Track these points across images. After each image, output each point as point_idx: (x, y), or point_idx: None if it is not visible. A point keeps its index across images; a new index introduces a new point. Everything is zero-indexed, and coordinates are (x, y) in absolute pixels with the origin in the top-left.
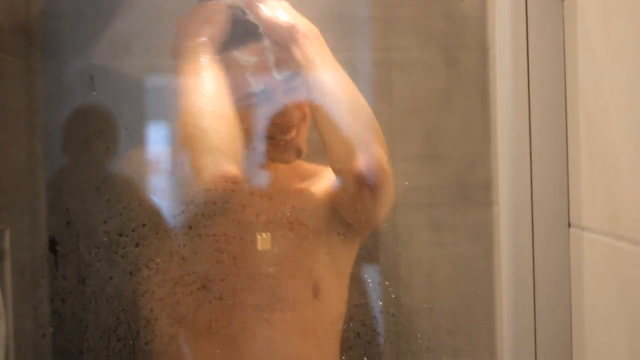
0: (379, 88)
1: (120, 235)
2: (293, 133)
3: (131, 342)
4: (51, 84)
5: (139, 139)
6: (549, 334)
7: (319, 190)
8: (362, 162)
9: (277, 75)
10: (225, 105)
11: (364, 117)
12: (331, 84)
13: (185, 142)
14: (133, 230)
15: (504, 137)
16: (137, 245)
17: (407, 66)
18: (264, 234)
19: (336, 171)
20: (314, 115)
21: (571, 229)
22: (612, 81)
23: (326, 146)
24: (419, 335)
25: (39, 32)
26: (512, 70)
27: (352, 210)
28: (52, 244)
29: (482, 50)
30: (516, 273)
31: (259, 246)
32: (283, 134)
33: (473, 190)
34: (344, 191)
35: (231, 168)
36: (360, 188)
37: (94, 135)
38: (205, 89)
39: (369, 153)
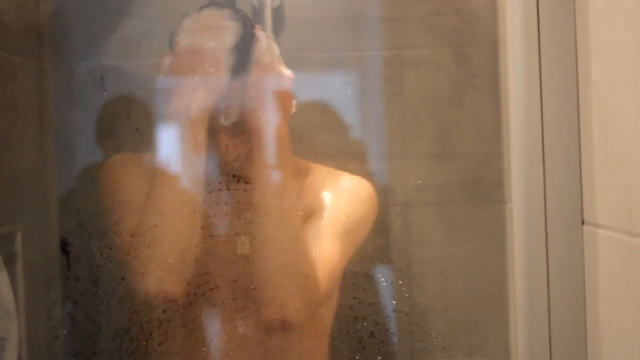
0: (390, 87)
1: (133, 236)
2: (235, 164)
3: (144, 343)
4: (62, 84)
5: (149, 139)
6: (563, 331)
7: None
8: (266, 314)
9: (223, 121)
10: (196, 199)
11: (289, 259)
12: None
13: (141, 233)
14: (145, 232)
15: (516, 135)
16: (149, 246)
17: (418, 64)
18: (242, 237)
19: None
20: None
21: (585, 227)
22: (624, 77)
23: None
24: (433, 334)
25: (50, 33)
26: (524, 66)
27: None
28: (64, 246)
29: (493, 47)
30: (530, 271)
31: (238, 250)
32: (226, 161)
33: (486, 188)
34: None
35: (173, 289)
36: None
37: (105, 136)
38: (182, 184)
39: (275, 307)
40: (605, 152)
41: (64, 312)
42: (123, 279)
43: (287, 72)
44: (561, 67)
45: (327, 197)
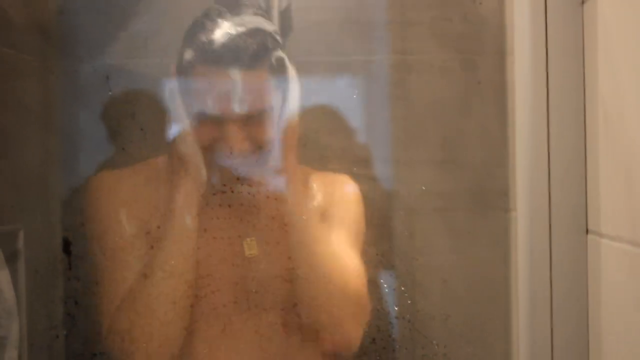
0: (396, 92)
1: (135, 237)
2: (241, 160)
3: (144, 345)
4: (68, 83)
5: (154, 140)
6: (565, 341)
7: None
8: (328, 344)
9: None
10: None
11: (344, 292)
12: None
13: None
14: (147, 233)
15: (522, 143)
16: (151, 247)
17: (424, 70)
18: (248, 239)
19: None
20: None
21: (589, 236)
22: (632, 86)
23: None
24: (434, 342)
25: (56, 31)
26: (531, 75)
27: None
28: (66, 245)
29: (500, 55)
30: (533, 280)
31: (247, 252)
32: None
33: (490, 196)
34: None
35: None
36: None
37: (110, 136)
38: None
39: (338, 335)
40: (610, 161)
41: (65, 312)
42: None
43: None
44: (568, 76)
45: (329, 202)
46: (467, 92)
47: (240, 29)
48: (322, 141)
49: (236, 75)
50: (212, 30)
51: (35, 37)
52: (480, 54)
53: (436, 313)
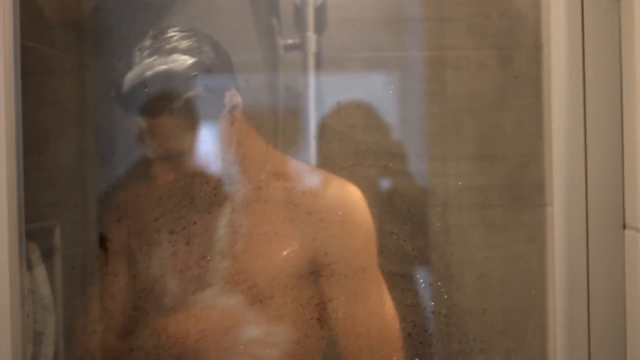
0: (433, 87)
1: (171, 232)
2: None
3: (181, 340)
4: (103, 80)
5: (189, 136)
6: (603, 336)
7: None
8: None
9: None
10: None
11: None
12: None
13: None
14: (184, 228)
15: (558, 137)
16: (187, 243)
17: (461, 65)
18: None
19: None
20: None
21: (626, 231)
22: None
23: None
24: (471, 336)
25: (92, 29)
26: (567, 68)
27: None
28: (102, 241)
29: (536, 49)
30: (570, 275)
31: None
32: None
33: (526, 191)
34: None
35: None
36: None
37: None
38: None
39: None
40: None
41: (101, 307)
42: (161, 275)
43: None
44: (605, 69)
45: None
46: (503, 87)
47: (145, 75)
48: (358, 137)
49: (141, 123)
50: (125, 76)
51: (70, 35)
52: (516, 48)
53: (472, 308)
